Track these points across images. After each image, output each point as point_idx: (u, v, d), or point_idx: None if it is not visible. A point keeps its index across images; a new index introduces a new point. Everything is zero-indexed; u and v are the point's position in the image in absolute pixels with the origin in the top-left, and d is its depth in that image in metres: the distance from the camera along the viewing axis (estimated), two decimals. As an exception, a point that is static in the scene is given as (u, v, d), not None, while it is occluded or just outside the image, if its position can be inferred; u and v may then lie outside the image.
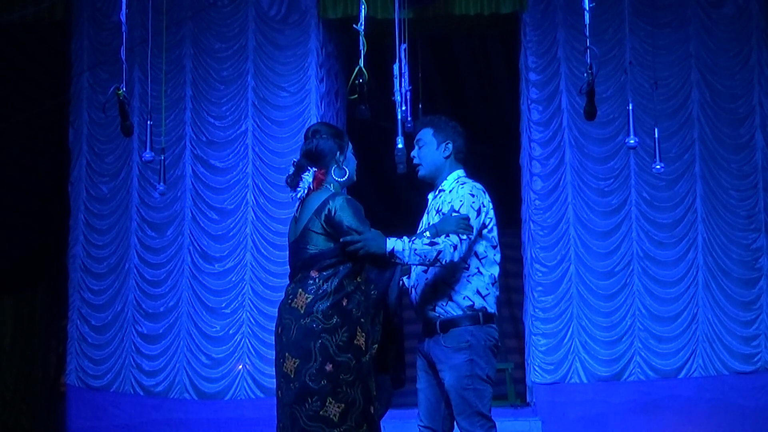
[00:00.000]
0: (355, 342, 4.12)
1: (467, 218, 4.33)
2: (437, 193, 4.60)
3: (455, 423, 4.46)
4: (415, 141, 4.67)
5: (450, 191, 4.52)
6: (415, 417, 4.61)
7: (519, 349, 10.90)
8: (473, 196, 4.45)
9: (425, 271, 4.47)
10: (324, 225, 4.18)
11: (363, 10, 5.26)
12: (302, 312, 4.12)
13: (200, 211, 9.80)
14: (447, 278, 4.40)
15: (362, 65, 5.02)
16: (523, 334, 10.00)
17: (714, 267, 9.40)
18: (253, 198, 9.75)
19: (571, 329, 9.42)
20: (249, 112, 9.83)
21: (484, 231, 4.46)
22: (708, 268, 9.41)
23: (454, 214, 4.36)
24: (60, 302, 10.75)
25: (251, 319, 9.55)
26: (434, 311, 4.44)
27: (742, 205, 9.48)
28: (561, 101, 9.65)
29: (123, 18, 5.94)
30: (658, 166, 8.14)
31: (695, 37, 9.60)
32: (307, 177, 4.30)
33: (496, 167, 12.90)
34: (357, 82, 5.10)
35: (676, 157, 9.49)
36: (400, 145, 4.59)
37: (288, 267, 4.44)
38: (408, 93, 6.60)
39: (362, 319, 4.18)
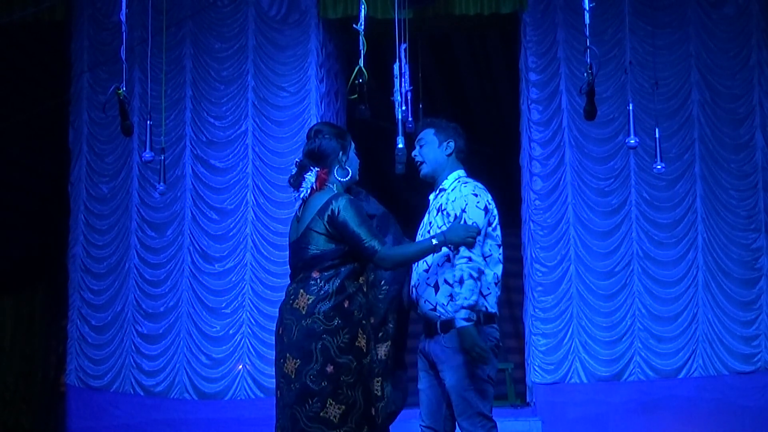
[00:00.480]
0: (357, 344, 4.12)
1: (476, 228, 4.33)
2: (438, 192, 4.61)
3: (456, 423, 4.46)
4: (416, 141, 4.69)
5: (452, 190, 4.53)
6: (417, 417, 4.61)
7: (519, 349, 10.90)
8: (476, 195, 4.47)
9: (426, 271, 4.46)
10: (327, 225, 4.17)
11: (363, 10, 5.26)
12: (303, 313, 4.12)
13: (200, 211, 9.80)
14: (449, 279, 4.38)
15: (362, 65, 5.02)
16: (523, 334, 10.00)
17: (714, 267, 9.39)
18: (253, 198, 9.75)
19: (571, 329, 9.42)
20: (249, 112, 9.83)
21: (489, 229, 4.47)
22: (708, 268, 9.41)
23: (463, 220, 4.37)
24: (60, 302, 10.75)
25: (251, 319, 9.55)
26: (435, 311, 4.43)
27: (742, 205, 9.48)
28: (561, 101, 9.65)
29: (123, 18, 5.94)
30: (659, 166, 8.14)
31: (695, 37, 9.60)
32: (310, 177, 4.29)
33: (496, 167, 12.90)
34: (357, 82, 5.10)
35: (676, 157, 9.49)
36: (400, 145, 4.59)
37: (288, 267, 4.43)
38: (408, 93, 6.60)
39: (363, 321, 4.19)
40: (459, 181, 4.57)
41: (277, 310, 4.35)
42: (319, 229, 4.19)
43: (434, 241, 4.23)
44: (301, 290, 4.17)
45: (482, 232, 4.40)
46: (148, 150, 6.91)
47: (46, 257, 12.08)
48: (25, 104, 10.46)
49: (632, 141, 7.13)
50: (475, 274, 4.29)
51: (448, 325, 4.38)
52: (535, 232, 9.62)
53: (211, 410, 9.51)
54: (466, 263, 4.29)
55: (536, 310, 9.52)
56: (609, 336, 9.39)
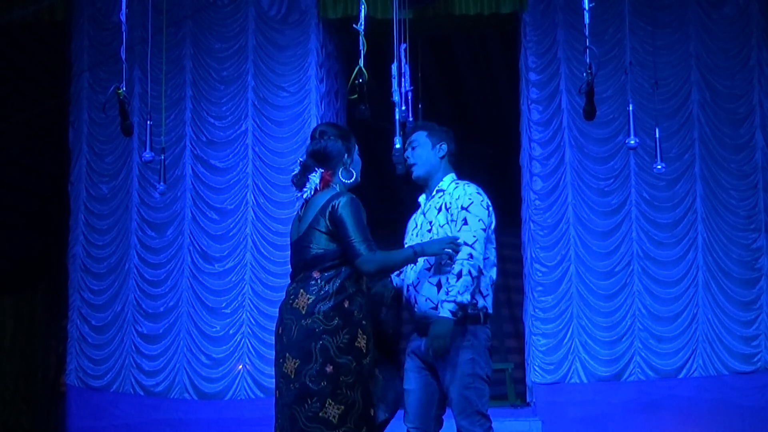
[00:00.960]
0: (356, 344, 4.12)
1: (455, 239, 4.35)
2: (434, 193, 4.62)
3: (454, 422, 4.46)
4: (407, 143, 4.71)
5: (455, 189, 4.55)
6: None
7: (519, 349, 10.91)
8: (480, 195, 4.54)
9: (429, 269, 4.47)
10: (328, 223, 4.17)
11: (363, 10, 5.27)
12: (303, 312, 4.12)
13: (200, 211, 9.80)
14: (451, 278, 4.39)
15: (362, 65, 5.03)
16: (523, 334, 10.00)
17: (714, 267, 9.39)
18: (253, 198, 9.75)
19: (571, 329, 9.42)
20: (249, 112, 9.83)
21: (489, 231, 4.52)
22: (708, 268, 9.41)
23: (463, 217, 4.42)
24: (60, 302, 10.75)
25: (251, 319, 9.55)
26: (435, 310, 4.43)
27: (742, 205, 9.48)
28: (561, 101, 9.65)
29: (123, 18, 5.94)
30: (659, 166, 8.14)
31: (695, 37, 9.59)
32: (314, 178, 4.29)
33: (496, 167, 12.90)
34: (357, 82, 5.10)
35: (676, 157, 9.49)
36: (398, 145, 4.60)
37: (289, 266, 4.44)
38: (408, 93, 6.60)
39: (363, 321, 4.18)
40: (459, 182, 4.60)
41: (277, 310, 4.35)
42: (322, 227, 4.19)
43: (412, 251, 4.28)
44: (301, 290, 4.18)
45: (486, 233, 4.43)
46: (148, 150, 6.91)
47: (46, 257, 12.08)
48: (25, 104, 10.46)
49: (632, 141, 7.13)
50: (474, 272, 4.32)
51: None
52: (535, 232, 9.62)
53: (211, 410, 9.51)
54: (468, 260, 4.32)
55: (536, 310, 9.52)
56: (609, 336, 9.39)
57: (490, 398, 4.59)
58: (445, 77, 12.56)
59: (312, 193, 4.28)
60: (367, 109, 5.30)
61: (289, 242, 4.48)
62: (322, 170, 4.29)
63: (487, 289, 4.47)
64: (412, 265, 4.48)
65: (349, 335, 4.11)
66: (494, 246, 4.56)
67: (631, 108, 7.24)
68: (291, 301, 4.19)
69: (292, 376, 4.08)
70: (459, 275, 4.29)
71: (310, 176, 4.30)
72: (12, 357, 12.20)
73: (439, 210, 4.53)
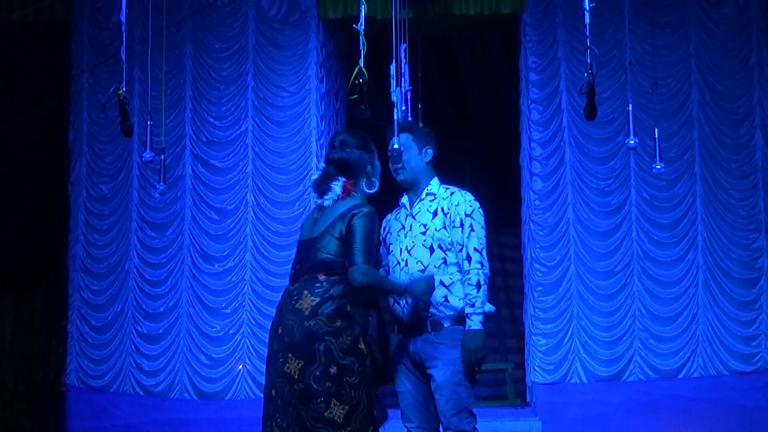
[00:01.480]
0: (359, 346, 4.16)
1: (433, 283, 4.45)
2: (423, 196, 4.64)
3: (443, 421, 4.49)
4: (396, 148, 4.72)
5: (450, 194, 4.61)
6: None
7: (519, 349, 10.91)
8: (477, 201, 4.62)
9: (422, 271, 4.49)
10: (343, 230, 4.19)
11: (363, 10, 5.25)
12: (306, 314, 4.14)
13: (200, 211, 9.80)
14: (445, 281, 4.47)
15: (362, 65, 5.02)
16: (523, 334, 10.00)
17: (714, 267, 9.40)
18: (253, 198, 9.75)
19: (571, 329, 9.42)
20: (249, 112, 9.83)
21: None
22: (708, 268, 9.41)
23: (469, 223, 4.51)
24: (60, 302, 10.74)
25: (251, 319, 9.55)
26: (427, 311, 4.48)
27: (742, 205, 9.48)
28: (561, 101, 9.66)
29: (123, 18, 5.93)
30: (658, 166, 8.13)
31: (695, 37, 9.59)
32: (336, 187, 4.30)
33: (496, 167, 12.91)
34: (357, 82, 5.09)
35: (676, 157, 9.49)
36: (396, 146, 4.60)
37: (289, 266, 4.43)
38: (408, 93, 6.60)
39: (365, 325, 4.23)
40: (450, 187, 4.67)
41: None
42: (336, 233, 4.21)
43: (403, 287, 4.36)
44: (306, 291, 4.19)
45: (484, 242, 4.55)
46: (148, 150, 6.90)
47: (46, 257, 12.07)
48: (25, 104, 10.45)
49: (632, 141, 7.12)
50: (487, 280, 4.48)
51: (441, 323, 4.46)
52: (535, 232, 9.62)
53: (211, 410, 9.52)
54: (481, 269, 4.47)
55: (536, 310, 9.52)
56: (609, 336, 9.40)
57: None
58: (445, 77, 12.56)
59: (332, 202, 4.29)
60: (367, 109, 5.29)
61: (292, 241, 4.48)
62: (344, 180, 4.30)
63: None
64: (404, 267, 4.51)
65: (351, 337, 4.14)
66: None
67: (630, 108, 7.24)
68: (293, 302, 4.20)
69: (296, 377, 4.10)
70: (478, 286, 4.43)
71: (332, 185, 4.30)
72: (12, 357, 12.18)
73: (435, 214, 4.56)
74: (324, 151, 9.79)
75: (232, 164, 9.85)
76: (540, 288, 9.55)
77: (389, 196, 4.87)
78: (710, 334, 9.32)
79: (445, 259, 4.48)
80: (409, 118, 6.61)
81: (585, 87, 5.38)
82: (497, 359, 11.43)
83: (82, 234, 9.95)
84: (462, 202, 4.56)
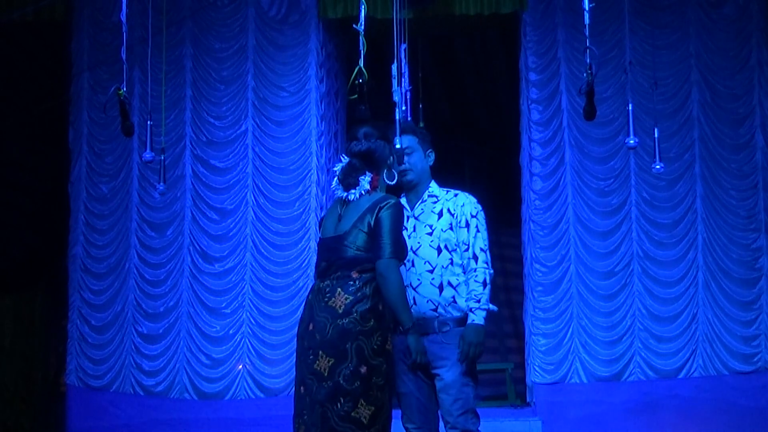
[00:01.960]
0: (387, 347, 4.21)
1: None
2: (425, 198, 4.67)
3: (450, 420, 4.50)
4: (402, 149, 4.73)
5: (454, 196, 4.68)
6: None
7: (519, 349, 10.90)
8: (479, 204, 4.72)
9: (431, 271, 4.52)
10: (372, 222, 4.21)
11: (363, 10, 5.25)
12: (340, 312, 4.14)
13: (200, 211, 9.80)
14: (453, 281, 4.53)
15: (362, 65, 5.02)
16: (523, 334, 9.99)
17: (714, 267, 9.40)
18: (253, 198, 9.75)
19: (571, 329, 9.42)
20: (249, 112, 9.83)
21: None
22: (708, 268, 9.41)
23: (475, 225, 4.61)
24: (60, 302, 10.74)
25: (251, 319, 9.55)
26: (436, 311, 4.51)
27: (742, 205, 9.48)
28: (561, 101, 9.66)
29: (123, 18, 5.94)
30: (658, 166, 8.14)
31: (695, 37, 9.59)
32: (364, 181, 4.31)
33: (496, 167, 12.90)
34: (357, 82, 5.09)
35: (676, 157, 9.49)
36: (398, 146, 4.61)
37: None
38: (408, 93, 6.61)
39: (391, 325, 4.27)
40: (451, 190, 4.74)
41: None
42: (365, 227, 4.22)
43: (410, 323, 4.31)
44: (339, 289, 4.18)
45: (488, 243, 4.65)
46: (148, 150, 6.90)
47: (46, 257, 12.06)
48: (25, 104, 10.45)
49: (632, 141, 7.13)
50: (491, 279, 4.59)
51: (448, 323, 4.50)
52: (535, 232, 9.62)
53: (211, 410, 9.52)
54: (487, 268, 4.56)
55: (536, 310, 9.52)
56: (609, 336, 9.40)
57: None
58: (445, 77, 12.56)
59: (359, 195, 4.29)
60: (367, 109, 5.30)
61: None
62: (371, 174, 4.32)
63: None
64: (411, 266, 4.52)
65: (381, 338, 4.17)
66: None
67: (630, 108, 7.24)
68: (326, 300, 4.19)
69: (326, 374, 4.11)
70: (484, 284, 4.52)
71: (360, 178, 4.31)
72: (12, 357, 12.18)
73: (440, 215, 4.60)
74: (323, 151, 9.83)
75: (232, 164, 9.86)
76: (540, 288, 9.55)
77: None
78: (710, 334, 9.32)
79: (451, 259, 4.54)
80: (409, 118, 6.62)
81: (585, 87, 5.39)
82: (497, 359, 11.42)
83: (82, 234, 9.95)
84: (467, 203, 4.64)
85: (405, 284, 4.59)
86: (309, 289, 4.40)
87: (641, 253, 9.47)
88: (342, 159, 4.41)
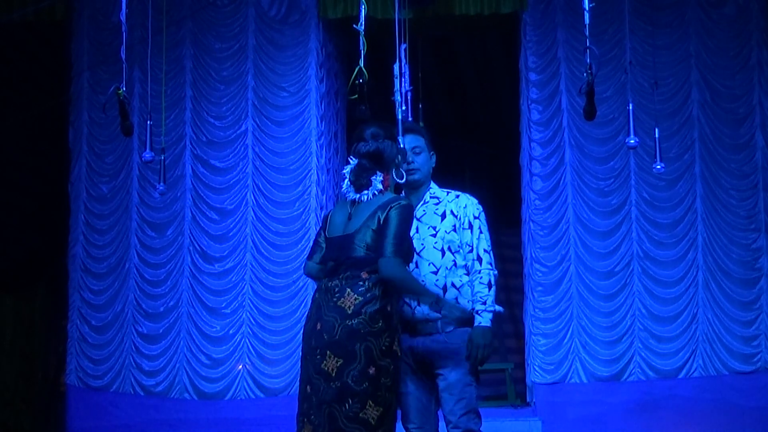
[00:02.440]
0: (394, 348, 4.18)
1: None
2: (427, 200, 4.68)
3: (452, 420, 4.50)
4: (410, 148, 4.73)
5: (456, 197, 4.66)
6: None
7: (519, 349, 10.90)
8: (480, 205, 4.70)
9: (435, 273, 4.52)
10: (381, 219, 4.19)
11: (363, 10, 5.26)
12: (349, 312, 4.12)
13: (200, 211, 9.80)
14: (456, 282, 4.52)
15: (362, 65, 5.02)
16: (523, 334, 10.00)
17: (714, 267, 9.40)
18: (253, 198, 9.75)
19: (571, 329, 9.42)
20: (249, 112, 9.84)
21: None
22: (708, 268, 9.41)
23: (478, 226, 4.60)
24: (60, 302, 10.74)
25: (251, 319, 9.55)
26: (439, 312, 4.50)
27: (742, 205, 9.48)
28: (561, 101, 9.66)
29: (123, 18, 5.94)
30: (658, 166, 8.14)
31: (695, 37, 9.60)
32: (376, 182, 4.30)
33: (496, 167, 12.90)
34: (357, 82, 5.09)
35: (676, 157, 9.49)
36: (400, 146, 4.60)
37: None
38: (408, 93, 6.60)
39: (398, 326, 4.26)
40: (452, 191, 4.71)
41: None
42: (374, 224, 4.20)
43: (436, 296, 4.38)
44: (348, 289, 4.16)
45: (491, 245, 4.62)
46: (148, 150, 6.91)
47: (46, 257, 12.06)
48: (25, 104, 10.45)
49: (632, 141, 7.13)
50: (496, 282, 4.56)
51: (451, 324, 4.48)
52: (535, 232, 9.63)
53: (211, 410, 9.51)
54: (491, 269, 4.54)
55: (536, 310, 9.53)
56: (609, 336, 9.40)
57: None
58: (445, 77, 12.56)
59: (371, 196, 4.29)
60: (368, 109, 5.30)
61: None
62: (382, 174, 4.32)
63: None
64: (415, 268, 4.52)
65: (389, 339, 4.16)
66: None
67: (630, 108, 7.25)
68: (335, 299, 4.17)
69: (333, 375, 4.09)
70: (489, 285, 4.50)
71: (372, 179, 4.30)
72: (12, 357, 12.18)
73: (443, 216, 4.59)
74: (323, 151, 9.83)
75: (232, 164, 9.86)
76: (540, 288, 9.56)
77: None
78: (710, 334, 9.32)
79: (455, 261, 4.53)
80: (410, 118, 6.62)
81: (585, 87, 5.39)
82: (497, 359, 11.42)
83: (82, 234, 9.95)
84: (469, 205, 4.63)
85: None
86: (315, 288, 4.38)
87: (641, 253, 9.47)
88: (350, 161, 4.39)
